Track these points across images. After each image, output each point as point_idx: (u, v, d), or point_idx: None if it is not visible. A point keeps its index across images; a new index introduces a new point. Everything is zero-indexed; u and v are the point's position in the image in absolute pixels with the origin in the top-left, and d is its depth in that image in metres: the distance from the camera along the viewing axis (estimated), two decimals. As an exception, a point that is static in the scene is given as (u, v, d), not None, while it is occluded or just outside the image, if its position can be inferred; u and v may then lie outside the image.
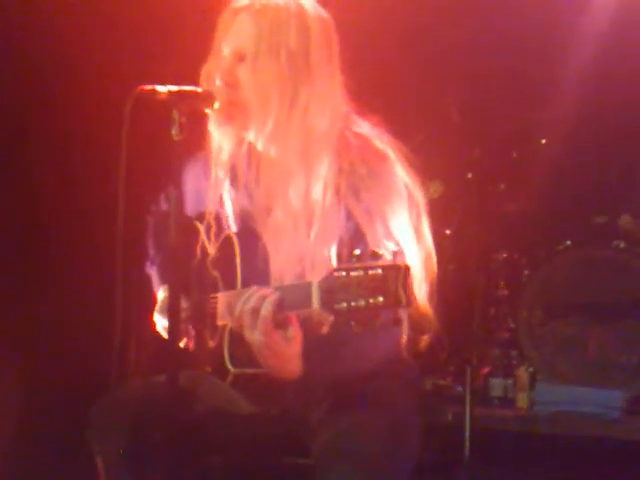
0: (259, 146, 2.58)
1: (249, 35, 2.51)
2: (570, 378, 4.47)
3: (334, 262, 2.37)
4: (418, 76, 4.57)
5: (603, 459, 3.99)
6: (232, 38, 2.54)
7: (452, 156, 4.70)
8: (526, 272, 4.74)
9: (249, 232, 2.54)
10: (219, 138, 2.60)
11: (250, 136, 2.57)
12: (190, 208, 2.70)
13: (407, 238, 2.42)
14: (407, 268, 2.06)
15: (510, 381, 4.60)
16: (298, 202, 2.48)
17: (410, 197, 2.50)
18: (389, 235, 2.39)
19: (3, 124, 4.05)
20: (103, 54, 3.93)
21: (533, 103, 4.69)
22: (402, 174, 2.51)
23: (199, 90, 2.43)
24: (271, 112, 2.49)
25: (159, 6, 3.91)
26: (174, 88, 2.36)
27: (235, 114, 2.53)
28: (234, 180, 2.63)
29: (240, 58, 2.52)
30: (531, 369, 4.55)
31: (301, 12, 2.52)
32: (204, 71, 2.57)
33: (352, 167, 2.48)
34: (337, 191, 2.47)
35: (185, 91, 2.38)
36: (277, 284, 2.38)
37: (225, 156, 2.61)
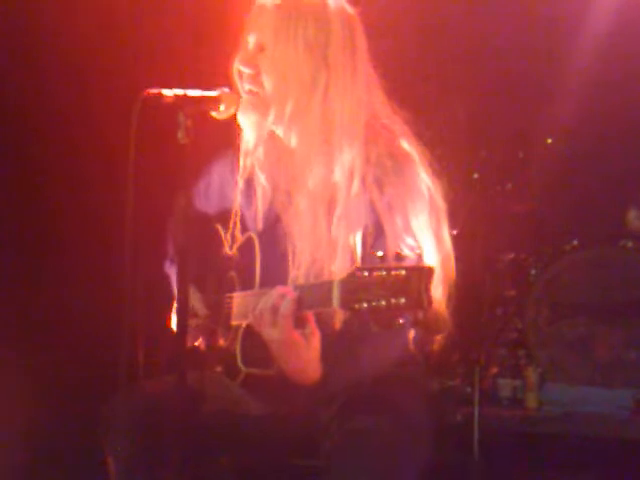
0: (279, 133, 2.60)
1: (269, 26, 2.54)
2: (578, 378, 4.46)
3: (359, 250, 2.39)
4: (425, 75, 4.57)
5: (613, 459, 3.99)
6: (254, 30, 2.58)
7: (458, 156, 4.69)
8: (533, 272, 4.74)
9: (271, 233, 2.56)
10: (245, 128, 2.61)
11: (270, 123, 2.59)
12: (214, 206, 2.73)
13: (426, 237, 2.44)
14: (430, 270, 2.06)
15: (518, 381, 4.60)
16: (317, 187, 2.50)
17: (432, 200, 2.52)
18: (408, 231, 2.41)
19: (11, 127, 4.06)
20: (110, 58, 3.93)
21: (539, 103, 4.69)
22: (425, 177, 2.53)
23: (205, 93, 2.44)
24: (289, 99, 2.52)
25: (167, 9, 3.92)
26: (180, 92, 2.38)
27: (256, 102, 2.56)
28: (259, 172, 2.64)
29: (261, 48, 2.56)
30: (539, 369, 4.54)
31: (322, 4, 2.55)
32: (233, 64, 2.61)
33: (379, 159, 2.51)
34: (363, 181, 2.49)
35: (191, 94, 2.39)
36: (300, 270, 2.40)
37: (251, 148, 2.64)
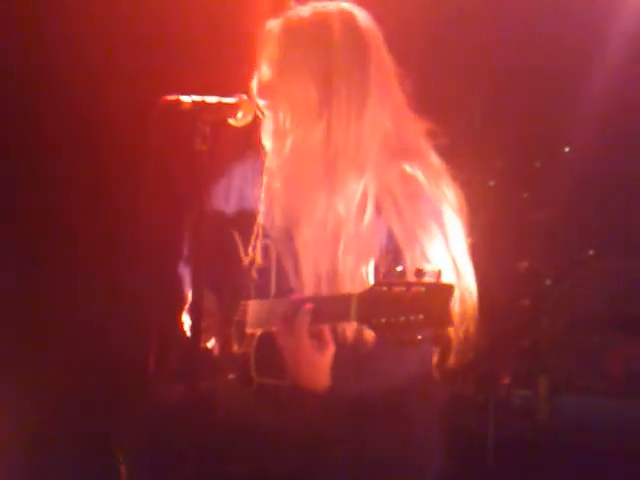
0: (284, 158, 2.58)
1: (274, 56, 2.54)
2: (592, 389, 4.45)
3: (370, 279, 2.36)
4: (442, 83, 4.56)
5: (627, 470, 3.97)
6: (264, 58, 2.58)
7: (474, 164, 4.68)
8: (548, 282, 4.72)
9: (287, 242, 2.55)
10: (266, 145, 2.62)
11: (278, 146, 2.58)
12: (231, 211, 2.72)
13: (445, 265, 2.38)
14: (451, 287, 2.05)
15: (531, 391, 4.58)
16: (321, 219, 2.47)
17: (450, 222, 2.47)
18: (427, 260, 2.36)
19: (29, 134, 4.07)
20: (128, 65, 3.94)
21: (557, 111, 4.67)
22: (447, 193, 2.49)
23: (223, 100, 2.44)
24: (290, 132, 2.51)
25: (186, 16, 3.92)
26: (198, 98, 2.37)
27: (266, 125, 2.56)
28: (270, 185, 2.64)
29: (269, 78, 2.56)
30: (553, 379, 4.53)
31: (326, 27, 2.51)
32: (249, 88, 2.60)
33: (396, 183, 2.46)
34: (378, 207, 2.45)
35: (209, 101, 2.39)
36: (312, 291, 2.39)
37: (263, 162, 2.64)
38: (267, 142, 2.60)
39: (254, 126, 2.57)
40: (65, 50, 3.96)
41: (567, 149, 4.78)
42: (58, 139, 4.04)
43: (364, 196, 2.45)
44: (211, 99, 2.40)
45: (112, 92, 3.91)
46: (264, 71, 2.57)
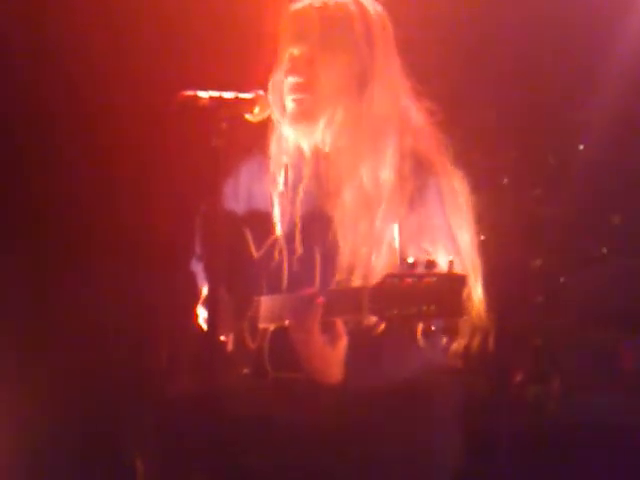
0: (328, 138, 2.62)
1: (314, 32, 2.57)
2: (605, 386, 4.44)
3: (397, 244, 2.40)
4: (456, 79, 4.56)
5: (638, 468, 3.97)
6: (298, 38, 2.60)
7: (488, 160, 4.68)
8: (562, 279, 4.72)
9: (299, 236, 2.56)
10: (289, 139, 2.62)
11: (321, 129, 2.60)
12: (242, 208, 2.74)
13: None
14: (463, 277, 2.06)
15: (544, 388, 4.58)
16: (369, 185, 2.52)
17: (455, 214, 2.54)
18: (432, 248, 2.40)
19: (43, 132, 4.08)
20: (145, 59, 3.95)
21: (572, 108, 4.66)
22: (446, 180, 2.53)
23: (240, 96, 2.45)
24: (340, 105, 2.56)
25: (204, 12, 3.93)
26: (215, 94, 2.38)
27: (305, 110, 2.59)
28: (293, 181, 2.65)
29: (308, 55, 2.58)
30: (565, 376, 4.53)
31: (359, 6, 2.58)
32: (273, 78, 2.63)
33: (412, 151, 2.54)
34: (400, 173, 2.51)
35: (226, 97, 2.40)
36: (346, 269, 2.42)
37: (286, 157, 2.65)
38: (299, 129, 2.60)
39: (263, 123, 2.59)
40: (73, 47, 3.97)
41: (581, 147, 4.77)
42: (67, 137, 4.06)
43: (391, 160, 2.52)
44: (228, 95, 2.41)
45: (129, 87, 3.92)
46: (300, 50, 2.58)
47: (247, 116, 2.52)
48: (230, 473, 2.49)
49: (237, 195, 2.77)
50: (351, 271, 2.43)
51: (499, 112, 4.67)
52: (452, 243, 2.45)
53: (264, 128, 2.65)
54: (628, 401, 4.31)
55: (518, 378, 4.65)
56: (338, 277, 2.45)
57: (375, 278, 2.20)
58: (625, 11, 4.45)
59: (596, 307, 4.55)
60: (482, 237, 4.64)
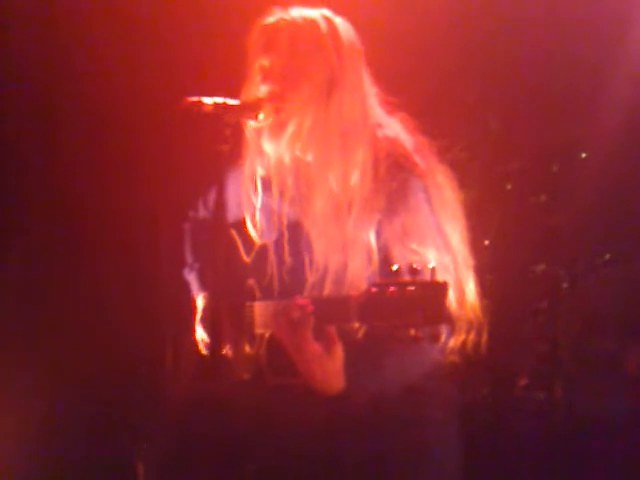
0: (299, 145, 2.63)
1: (283, 43, 2.58)
2: (608, 392, 4.44)
3: (374, 247, 2.42)
4: (459, 85, 4.57)
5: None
6: (267, 49, 2.61)
7: (492, 167, 4.69)
8: (565, 285, 4.72)
9: (289, 241, 2.57)
10: (266, 149, 2.64)
11: (290, 137, 2.62)
12: (229, 216, 2.74)
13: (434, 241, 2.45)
14: (445, 284, 2.08)
15: (548, 393, 4.58)
16: (337, 190, 2.53)
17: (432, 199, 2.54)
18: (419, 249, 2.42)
19: (50, 136, 4.11)
20: (150, 66, 3.97)
21: (574, 116, 4.67)
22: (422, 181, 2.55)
23: (244, 102, 2.47)
24: (308, 113, 2.56)
25: (208, 20, 3.95)
26: (220, 100, 2.40)
27: (277, 122, 2.59)
28: (272, 185, 2.66)
29: (277, 65, 2.59)
30: (569, 382, 4.53)
31: (327, 20, 2.61)
32: (245, 90, 2.63)
33: (388, 154, 2.55)
34: (375, 176, 2.52)
35: (231, 103, 2.42)
36: (318, 274, 2.42)
37: (264, 164, 2.66)
38: (274, 142, 2.62)
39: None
40: (79, 53, 3.99)
41: (584, 155, 4.78)
42: (71, 144, 4.08)
43: (366, 166, 2.54)
44: (233, 101, 2.43)
45: (133, 94, 3.94)
46: (270, 59, 2.60)
47: (251, 122, 2.54)
48: (230, 477, 2.50)
49: (227, 200, 2.78)
50: (324, 277, 2.46)
51: (504, 120, 4.69)
52: (442, 240, 2.46)
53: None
54: (632, 407, 4.31)
55: (522, 383, 4.65)
56: (312, 280, 2.47)
57: (352, 284, 2.24)
58: (629, 21, 4.47)
59: (600, 313, 4.55)
60: (486, 242, 4.70)
